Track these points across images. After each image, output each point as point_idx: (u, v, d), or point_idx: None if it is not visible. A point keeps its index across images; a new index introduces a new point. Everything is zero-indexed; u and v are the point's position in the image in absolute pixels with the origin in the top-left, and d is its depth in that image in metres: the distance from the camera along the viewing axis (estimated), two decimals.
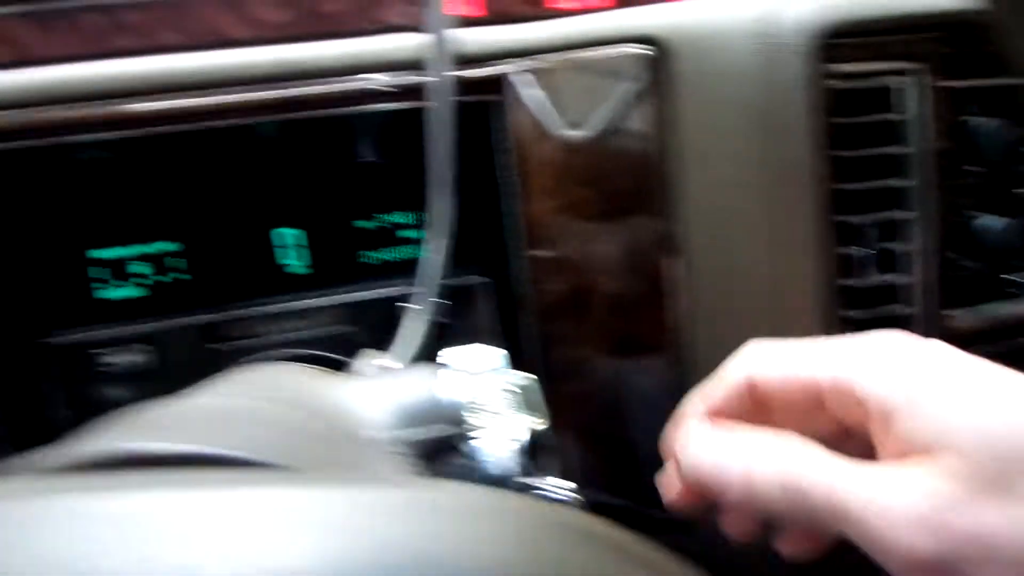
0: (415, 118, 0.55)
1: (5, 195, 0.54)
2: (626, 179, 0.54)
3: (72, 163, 0.55)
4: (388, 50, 0.52)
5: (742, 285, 0.55)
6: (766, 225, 0.52)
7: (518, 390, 0.42)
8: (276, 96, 0.50)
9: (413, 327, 0.50)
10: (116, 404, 0.57)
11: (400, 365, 0.50)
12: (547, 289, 0.56)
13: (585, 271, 0.55)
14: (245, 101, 0.50)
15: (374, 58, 0.52)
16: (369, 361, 0.50)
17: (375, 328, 0.62)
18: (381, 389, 0.41)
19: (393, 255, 0.66)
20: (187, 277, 0.60)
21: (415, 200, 0.63)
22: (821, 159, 0.50)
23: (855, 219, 0.52)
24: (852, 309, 0.54)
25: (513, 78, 0.52)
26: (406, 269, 0.64)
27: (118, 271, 0.59)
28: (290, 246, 0.65)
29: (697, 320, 0.55)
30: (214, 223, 0.59)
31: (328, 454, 0.28)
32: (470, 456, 0.40)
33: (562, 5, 0.57)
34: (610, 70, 0.52)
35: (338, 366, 0.61)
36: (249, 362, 0.60)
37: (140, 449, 0.23)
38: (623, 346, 0.56)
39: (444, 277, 0.50)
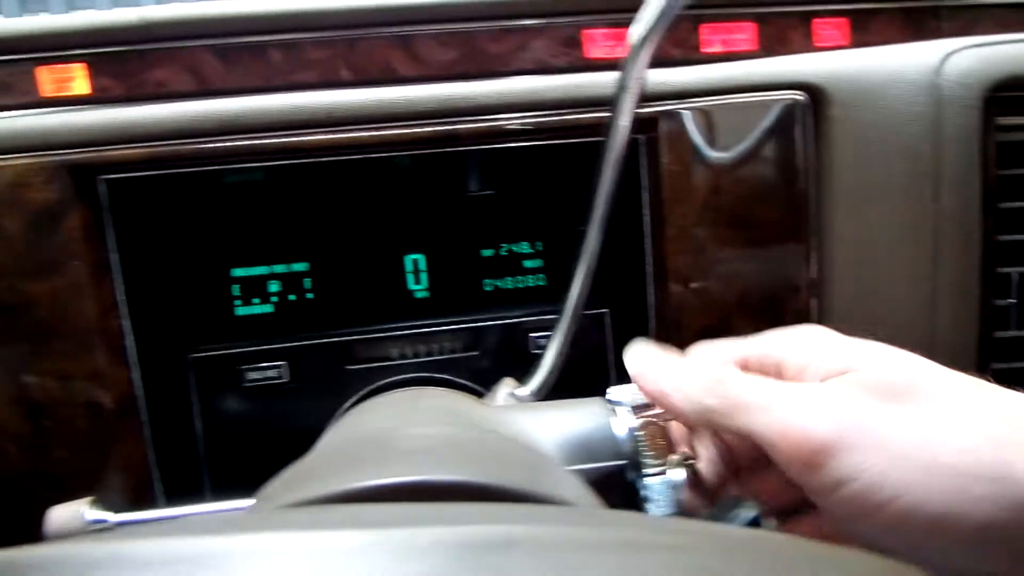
0: (549, 152, 0.57)
1: (159, 217, 0.56)
2: (773, 220, 0.54)
3: (223, 186, 0.57)
4: (545, 88, 0.53)
5: (888, 332, 0.54)
6: (919, 273, 0.52)
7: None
8: (435, 131, 0.52)
9: (550, 356, 0.50)
10: (255, 417, 0.60)
11: (532, 392, 0.50)
12: (679, 323, 0.56)
13: (721, 308, 0.56)
14: (408, 135, 0.52)
15: (532, 96, 0.53)
16: (510, 389, 0.51)
17: (498, 352, 0.63)
18: (556, 420, 0.41)
19: (516, 283, 0.68)
20: (324, 297, 0.62)
21: (538, 231, 0.65)
22: (984, 210, 0.50)
23: (1011, 270, 0.52)
24: (1000, 361, 0.53)
25: (668, 118, 0.53)
26: (527, 296, 0.66)
27: (260, 290, 0.62)
28: (419, 272, 0.67)
29: None
30: (352, 247, 0.62)
31: (565, 487, 0.28)
32: (644, 490, 0.40)
33: (709, 50, 0.58)
34: (763, 114, 0.53)
35: (465, 390, 0.63)
36: (384, 383, 0.61)
37: (426, 481, 0.24)
38: None
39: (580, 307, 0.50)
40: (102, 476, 0.51)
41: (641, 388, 0.38)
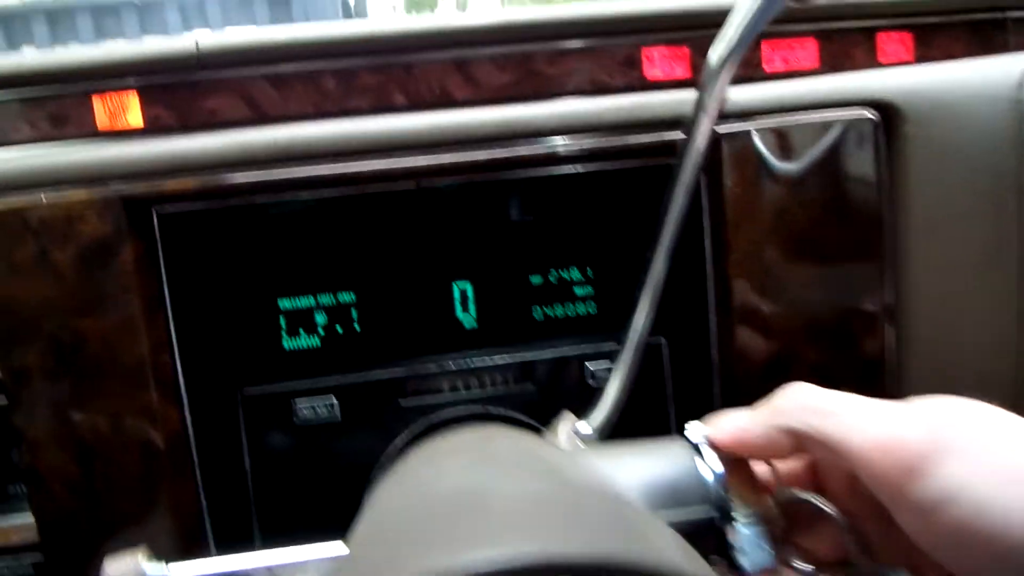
0: (598, 175, 0.55)
1: (207, 249, 0.55)
2: (844, 243, 0.52)
3: (270, 216, 0.56)
4: (604, 109, 0.52)
5: (965, 359, 0.52)
6: (1004, 297, 0.50)
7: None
8: (492, 156, 0.51)
9: (612, 391, 0.48)
10: (305, 455, 0.59)
11: (595, 429, 0.48)
12: (743, 353, 0.54)
13: (788, 337, 0.53)
14: (464, 161, 0.50)
15: (591, 118, 0.51)
16: (572, 425, 0.49)
17: (552, 385, 0.61)
18: (639, 465, 0.39)
19: (566, 311, 0.66)
20: (372, 328, 0.61)
21: (587, 256, 0.63)
22: None
23: None
24: None
25: (731, 138, 0.51)
26: (578, 325, 0.64)
27: (307, 321, 0.60)
28: (467, 300, 0.65)
29: (912, 392, 0.53)
30: (398, 275, 0.60)
31: (674, 550, 0.26)
32: (734, 539, 0.37)
33: (771, 67, 0.56)
34: (832, 133, 0.51)
35: (523, 426, 0.60)
36: (438, 420, 0.59)
37: (550, 557, 0.21)
38: None
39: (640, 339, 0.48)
40: (152, 518, 0.49)
41: (719, 443, 0.36)
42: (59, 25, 2.58)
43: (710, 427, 0.38)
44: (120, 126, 0.48)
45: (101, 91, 0.48)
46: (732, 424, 0.36)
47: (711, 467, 0.37)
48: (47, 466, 0.48)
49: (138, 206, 0.47)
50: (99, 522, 0.48)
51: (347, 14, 2.93)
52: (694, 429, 0.41)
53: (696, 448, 0.39)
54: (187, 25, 2.59)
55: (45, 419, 0.47)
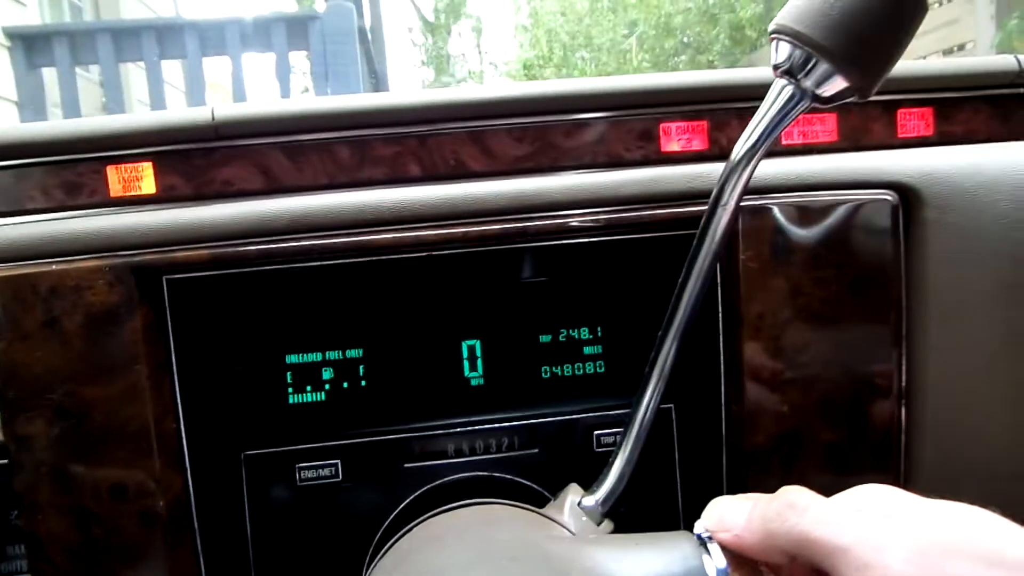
0: (612, 242, 0.55)
1: (214, 311, 0.55)
2: (859, 324, 0.51)
3: (278, 276, 0.56)
4: (620, 183, 0.51)
5: (978, 444, 0.51)
6: (1017, 383, 0.48)
7: None
8: (505, 228, 0.50)
9: (618, 464, 0.47)
10: (307, 517, 0.58)
11: (599, 501, 0.48)
12: (754, 427, 0.53)
13: (800, 414, 0.52)
14: (477, 232, 0.50)
15: (606, 191, 0.51)
16: (577, 498, 0.48)
17: (559, 450, 0.60)
18: (645, 561, 0.38)
19: (575, 370, 0.65)
20: (378, 385, 0.60)
21: (596, 316, 0.62)
22: None
23: None
24: None
25: (748, 212, 0.50)
26: (586, 384, 0.63)
27: (314, 377, 0.60)
28: (475, 359, 0.64)
29: (923, 478, 0.52)
30: (406, 333, 0.60)
31: None
32: None
33: (788, 141, 0.56)
34: (850, 213, 0.50)
35: (528, 492, 0.60)
36: (441, 483, 0.59)
37: None
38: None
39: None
40: None
41: (718, 539, 0.38)
42: (79, 47, 2.61)
43: (710, 525, 0.39)
44: (134, 193, 0.48)
45: (116, 160, 0.48)
46: (728, 532, 0.37)
47: (716, 563, 0.37)
48: (47, 531, 0.47)
49: (149, 274, 0.47)
50: None
51: (363, 38, 2.97)
52: (701, 524, 0.41)
53: (703, 544, 0.38)
54: (205, 51, 2.63)
55: (47, 484, 0.47)
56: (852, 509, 0.33)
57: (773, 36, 0.39)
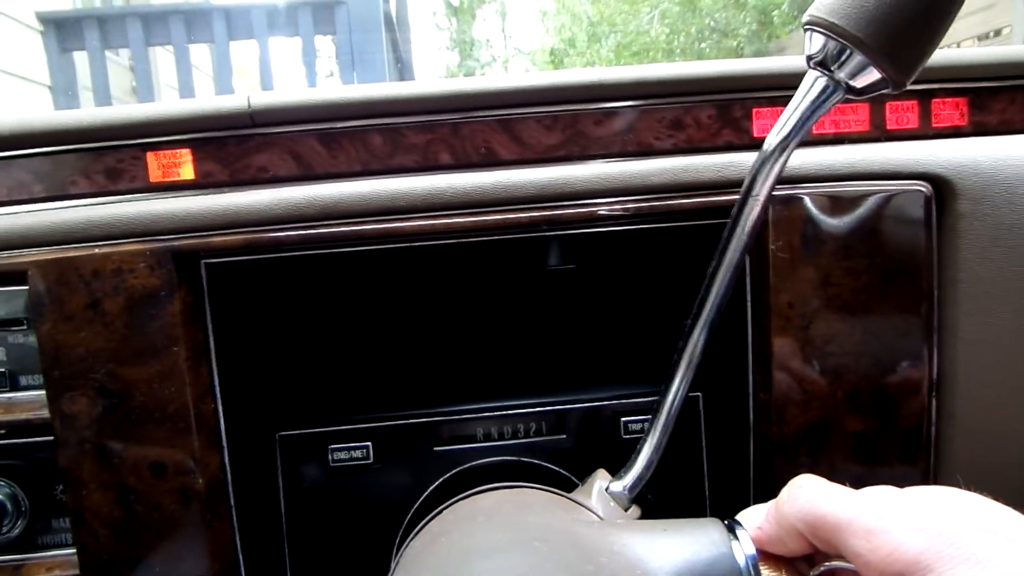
0: (641, 230, 0.55)
1: (249, 294, 0.56)
2: (889, 314, 0.51)
3: (311, 260, 0.57)
4: (649, 172, 0.51)
5: (1009, 438, 0.51)
6: None
7: None
8: (534, 216, 0.51)
9: (646, 451, 0.48)
10: (338, 497, 0.59)
11: (626, 487, 0.48)
12: (781, 416, 0.53)
13: (828, 404, 0.52)
14: (506, 220, 0.50)
15: (635, 180, 0.51)
16: (604, 483, 0.49)
17: (587, 436, 0.61)
18: (674, 546, 0.39)
19: (601, 358, 0.66)
20: (408, 369, 0.61)
21: (623, 305, 0.63)
22: None
23: None
24: None
25: (778, 202, 0.50)
26: (613, 373, 0.64)
27: (345, 361, 0.61)
28: (502, 345, 0.65)
29: (954, 472, 0.52)
30: (435, 319, 0.61)
31: None
32: None
33: (820, 130, 0.56)
34: (882, 203, 0.50)
35: (555, 476, 0.60)
36: (471, 466, 0.60)
37: None
38: (861, 487, 0.52)
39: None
40: (189, 560, 0.50)
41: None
42: (110, 31, 2.64)
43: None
44: (172, 181, 0.49)
45: (155, 147, 0.49)
46: (749, 526, 0.38)
47: (744, 550, 0.37)
48: (90, 506, 0.49)
49: (187, 258, 0.48)
50: (138, 562, 0.49)
51: (389, 25, 2.97)
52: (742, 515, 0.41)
53: (731, 529, 0.39)
54: (232, 35, 2.65)
55: (90, 461, 0.48)
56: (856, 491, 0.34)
57: (807, 27, 0.39)
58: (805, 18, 0.39)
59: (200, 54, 3.33)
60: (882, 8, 0.36)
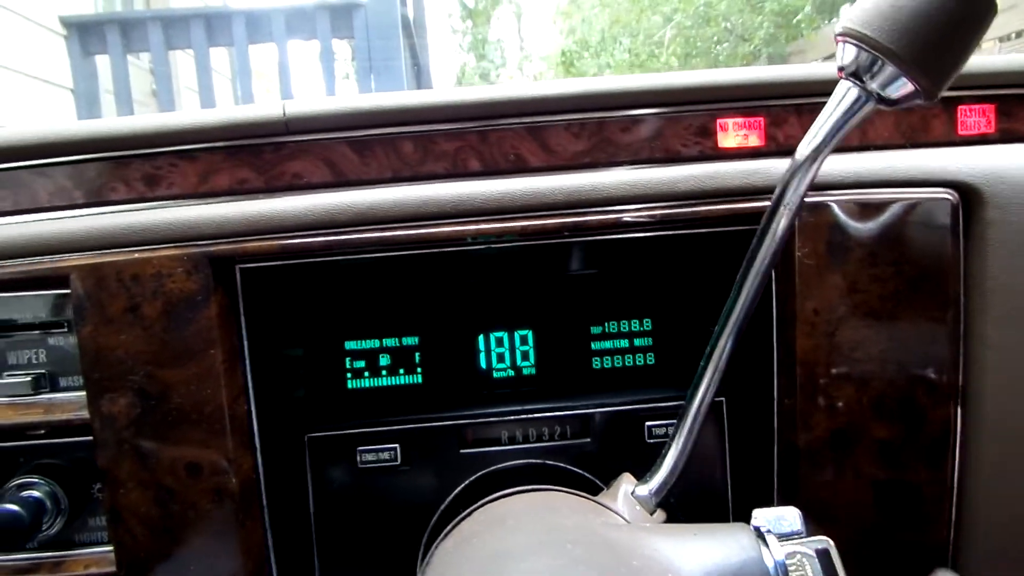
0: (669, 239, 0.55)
1: (280, 298, 0.57)
2: (915, 322, 0.51)
3: (340, 265, 0.58)
4: (676, 179, 0.52)
5: None
6: None
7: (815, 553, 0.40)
8: (562, 223, 0.51)
9: (672, 456, 0.48)
10: (366, 497, 0.60)
11: (652, 492, 0.48)
12: (806, 424, 0.54)
13: (853, 411, 0.52)
14: (534, 226, 0.51)
15: (662, 187, 0.52)
16: (630, 487, 0.49)
17: (611, 440, 0.62)
18: (703, 550, 0.39)
19: (625, 362, 0.66)
20: (434, 372, 0.62)
21: (646, 308, 0.63)
22: None
23: None
24: None
25: (805, 209, 0.51)
26: (637, 375, 0.64)
27: (372, 363, 0.62)
28: (528, 349, 0.65)
29: (979, 476, 0.52)
30: (460, 322, 0.61)
31: None
32: None
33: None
34: (908, 211, 0.50)
35: (580, 480, 0.61)
36: (497, 468, 0.60)
37: None
38: (886, 494, 0.52)
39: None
40: (222, 558, 0.51)
41: None
42: (131, 35, 2.68)
43: None
44: (209, 187, 0.50)
45: (192, 154, 0.50)
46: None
47: (774, 556, 0.38)
48: (128, 505, 0.50)
49: (223, 263, 0.49)
50: (173, 560, 0.51)
51: (407, 30, 2.98)
52: (761, 516, 0.41)
53: (761, 536, 0.39)
54: (252, 38, 2.68)
55: (127, 461, 0.49)
56: None
57: (839, 38, 0.40)
58: (837, 28, 0.40)
59: (218, 57, 3.37)
60: (915, 20, 0.36)
